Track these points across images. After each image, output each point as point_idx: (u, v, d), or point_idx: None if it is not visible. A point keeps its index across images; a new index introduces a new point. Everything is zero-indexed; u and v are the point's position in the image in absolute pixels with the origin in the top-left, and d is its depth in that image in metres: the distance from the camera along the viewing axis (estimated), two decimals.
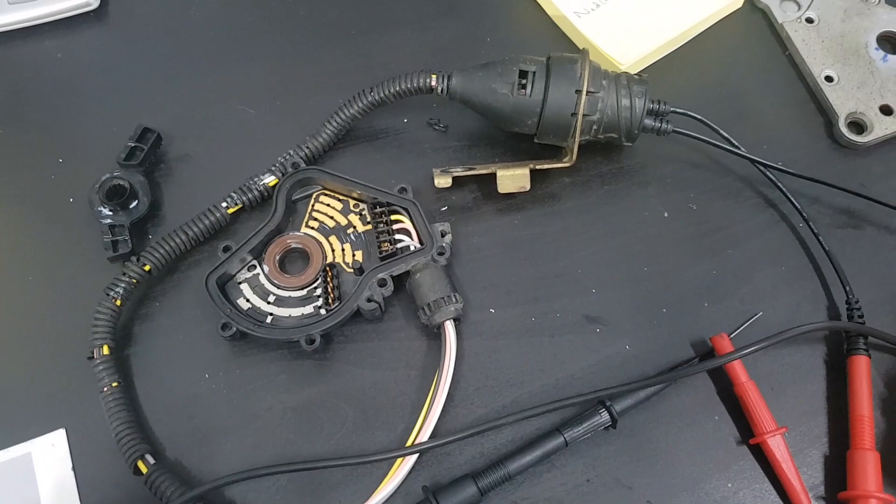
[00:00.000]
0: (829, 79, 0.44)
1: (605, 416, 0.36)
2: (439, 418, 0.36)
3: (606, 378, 0.38)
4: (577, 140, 0.39)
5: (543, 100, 0.39)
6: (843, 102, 0.44)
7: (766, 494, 0.36)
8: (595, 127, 0.40)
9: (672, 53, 0.46)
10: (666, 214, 0.42)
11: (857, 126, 0.44)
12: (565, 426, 0.36)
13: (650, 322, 0.40)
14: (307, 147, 0.41)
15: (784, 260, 0.41)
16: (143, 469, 0.35)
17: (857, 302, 0.39)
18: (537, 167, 0.41)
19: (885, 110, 0.43)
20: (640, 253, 0.41)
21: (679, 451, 0.37)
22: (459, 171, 0.41)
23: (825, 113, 0.44)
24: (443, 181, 0.40)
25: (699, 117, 0.41)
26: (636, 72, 0.45)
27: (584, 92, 0.38)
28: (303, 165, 0.40)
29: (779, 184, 0.41)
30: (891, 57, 0.45)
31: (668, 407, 0.38)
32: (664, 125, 0.41)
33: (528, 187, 0.41)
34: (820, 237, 0.40)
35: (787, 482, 0.35)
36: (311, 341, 0.37)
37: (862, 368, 0.37)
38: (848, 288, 0.39)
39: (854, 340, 0.38)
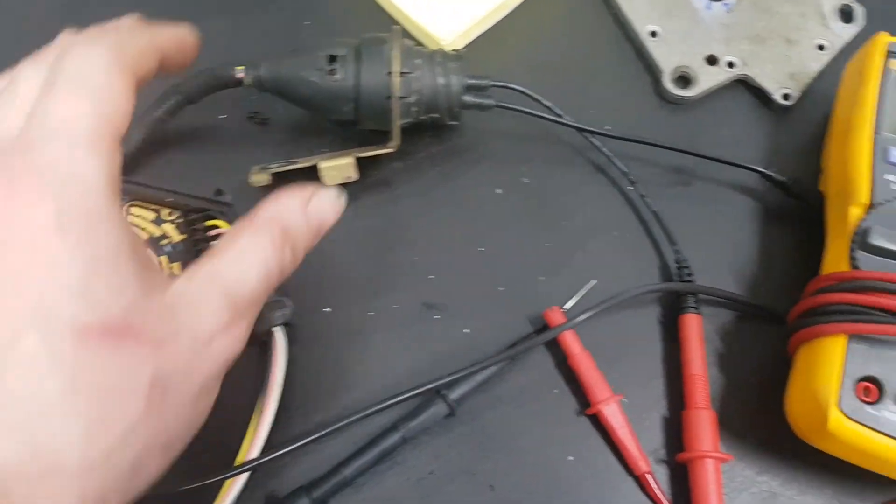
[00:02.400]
0: (653, 34, 0.44)
1: (441, 407, 0.36)
2: (273, 431, 0.35)
3: (447, 365, 0.37)
4: (396, 123, 0.38)
5: (356, 84, 0.37)
6: (667, 57, 0.43)
7: (607, 463, 0.36)
8: (415, 108, 0.38)
9: (498, 24, 0.45)
10: (499, 191, 0.42)
11: (685, 80, 0.43)
12: (402, 421, 0.35)
13: (488, 302, 0.39)
14: None
15: (616, 225, 0.41)
16: None
17: (685, 261, 0.39)
18: (361, 155, 0.39)
19: (711, 60, 0.43)
20: (475, 232, 0.41)
21: (520, 430, 0.37)
22: (278, 167, 0.39)
23: (651, 70, 0.44)
24: (260, 179, 0.39)
25: (520, 89, 0.40)
26: (462, 47, 0.44)
27: (397, 73, 0.37)
28: None
29: (603, 149, 0.41)
30: (714, 4, 0.45)
31: (507, 387, 0.37)
32: (486, 100, 0.39)
33: (354, 177, 0.39)
34: (646, 199, 0.40)
35: (625, 449, 0.36)
36: None
37: (692, 327, 0.37)
38: (676, 247, 0.39)
39: (684, 299, 0.38)
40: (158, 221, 0.38)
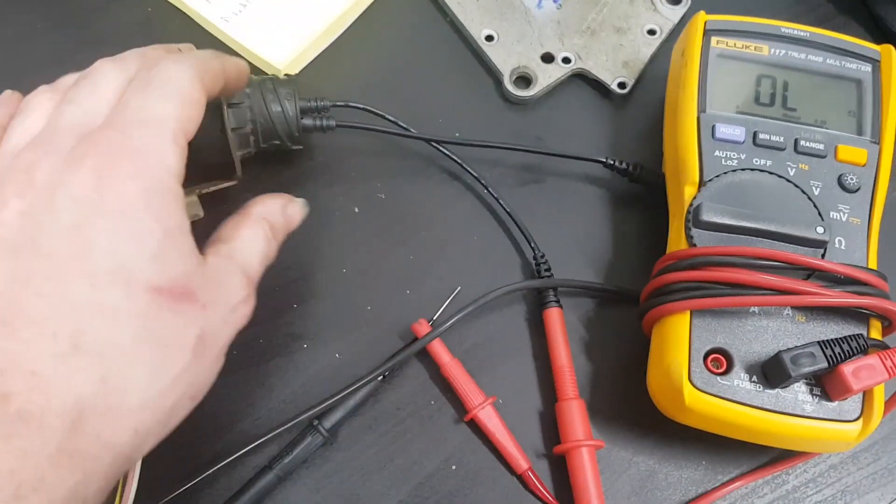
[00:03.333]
0: (489, 38, 0.44)
1: (316, 437, 0.35)
2: (145, 488, 0.34)
3: (320, 393, 0.37)
4: (236, 155, 0.37)
5: None
6: (505, 59, 0.44)
7: (490, 466, 0.37)
8: (253, 138, 0.38)
9: (337, 44, 0.45)
10: (356, 210, 0.41)
11: (525, 80, 0.44)
12: (276, 459, 0.35)
13: (356, 324, 0.39)
14: None
15: (475, 229, 0.41)
16: None
17: (542, 256, 0.39)
18: (205, 191, 0.38)
19: (547, 58, 0.44)
20: (336, 254, 0.40)
21: (401, 447, 0.37)
22: None
23: (492, 73, 0.45)
24: None
25: (360, 106, 0.40)
26: (299, 70, 0.44)
27: (226, 105, 0.36)
28: None
29: (453, 156, 0.41)
30: (545, 2, 0.45)
31: (384, 406, 0.37)
32: (327, 122, 0.39)
33: (201, 214, 0.38)
34: (501, 200, 0.41)
35: (504, 450, 0.36)
36: None
37: (554, 320, 0.38)
38: (533, 244, 0.40)
39: (545, 294, 0.39)
40: None
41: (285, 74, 0.39)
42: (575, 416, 0.36)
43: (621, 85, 0.44)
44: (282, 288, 0.39)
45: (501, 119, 0.44)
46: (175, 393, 0.26)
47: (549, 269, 0.39)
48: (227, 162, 0.39)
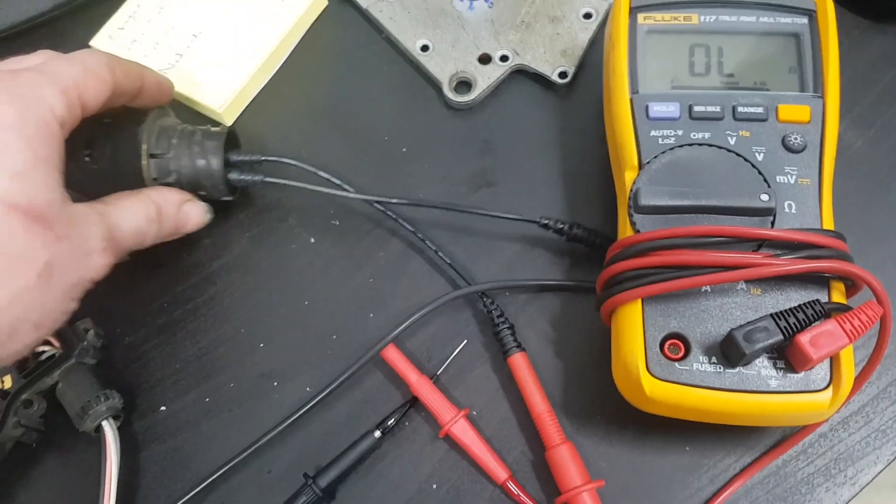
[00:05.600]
0: (425, 48, 0.44)
1: (311, 497, 0.35)
2: None
3: (295, 431, 0.37)
4: None
5: (112, 168, 0.37)
6: (442, 67, 0.43)
7: (470, 480, 0.36)
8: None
9: (276, 78, 0.45)
10: (312, 240, 0.41)
11: (466, 85, 0.44)
12: None
13: (324, 354, 0.39)
14: None
15: (433, 243, 0.41)
16: None
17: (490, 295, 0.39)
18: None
19: (484, 59, 0.44)
20: (297, 287, 0.40)
21: (379, 473, 0.37)
22: None
23: (432, 83, 0.44)
24: None
25: (292, 162, 0.39)
26: (240, 111, 0.44)
27: (146, 155, 0.37)
28: None
29: (389, 213, 0.40)
30: (476, 3, 0.45)
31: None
32: (255, 177, 0.39)
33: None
34: (428, 241, 0.40)
35: (482, 462, 0.36)
36: None
37: (520, 366, 0.37)
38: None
39: (505, 341, 0.37)
40: None
41: (218, 125, 0.39)
42: (567, 462, 0.35)
43: (562, 75, 0.43)
44: (247, 329, 0.40)
45: (446, 127, 0.43)
46: (15, 311, 0.28)
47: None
48: None
